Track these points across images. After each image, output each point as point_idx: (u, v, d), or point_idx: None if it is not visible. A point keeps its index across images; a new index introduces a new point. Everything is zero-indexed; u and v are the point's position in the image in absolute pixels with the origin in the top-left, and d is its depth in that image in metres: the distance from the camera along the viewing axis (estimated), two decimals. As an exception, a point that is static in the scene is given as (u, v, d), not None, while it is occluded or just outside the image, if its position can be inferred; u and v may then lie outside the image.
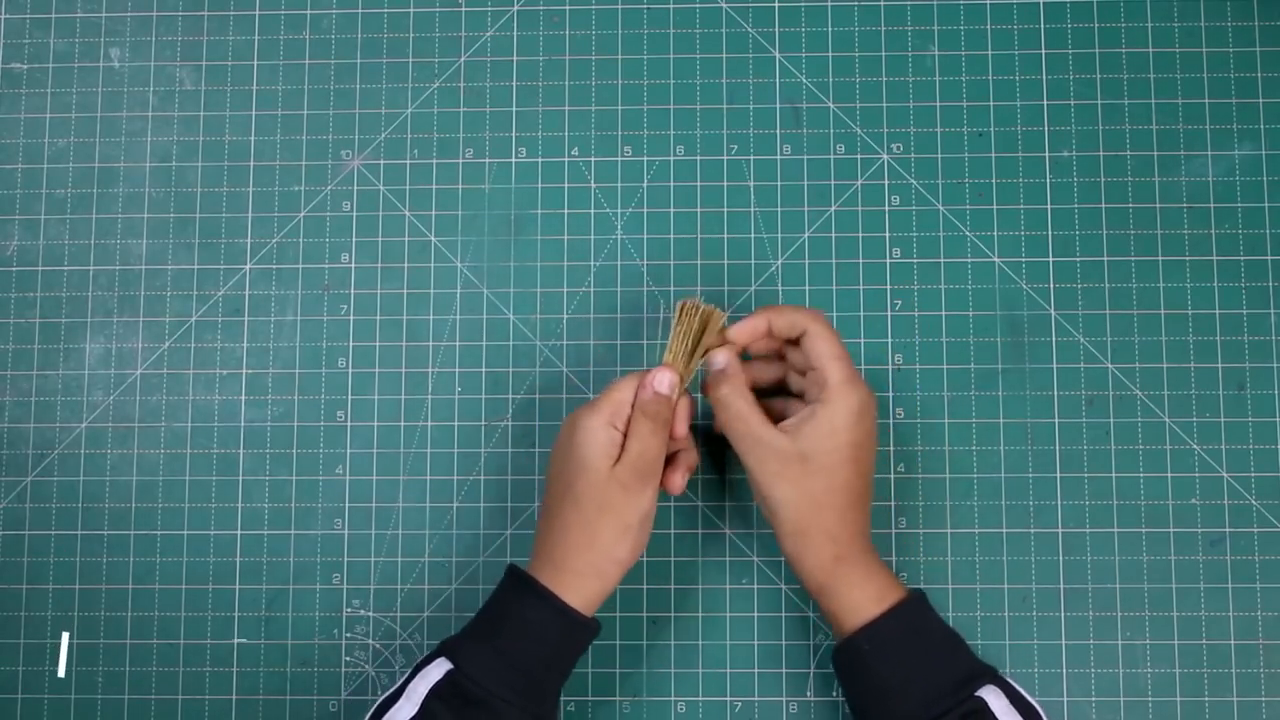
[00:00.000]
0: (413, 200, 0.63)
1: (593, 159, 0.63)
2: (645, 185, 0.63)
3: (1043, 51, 0.63)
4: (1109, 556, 0.60)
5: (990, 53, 0.63)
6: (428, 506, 0.61)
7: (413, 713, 0.50)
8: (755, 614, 0.60)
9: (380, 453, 0.62)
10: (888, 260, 0.62)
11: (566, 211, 0.63)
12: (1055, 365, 0.61)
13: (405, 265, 0.63)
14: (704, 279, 0.62)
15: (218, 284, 0.63)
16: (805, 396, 0.55)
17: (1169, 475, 0.60)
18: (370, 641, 0.61)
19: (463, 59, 0.64)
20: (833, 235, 0.62)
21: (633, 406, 0.53)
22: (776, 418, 0.54)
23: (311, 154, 0.64)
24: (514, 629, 0.52)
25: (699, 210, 0.63)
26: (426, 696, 0.50)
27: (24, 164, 0.64)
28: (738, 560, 0.61)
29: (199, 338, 0.63)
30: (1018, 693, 0.51)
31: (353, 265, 0.63)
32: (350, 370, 0.62)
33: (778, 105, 0.63)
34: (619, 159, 0.63)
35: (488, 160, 0.64)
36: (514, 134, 0.64)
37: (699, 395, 0.57)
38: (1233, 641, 0.59)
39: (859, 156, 0.63)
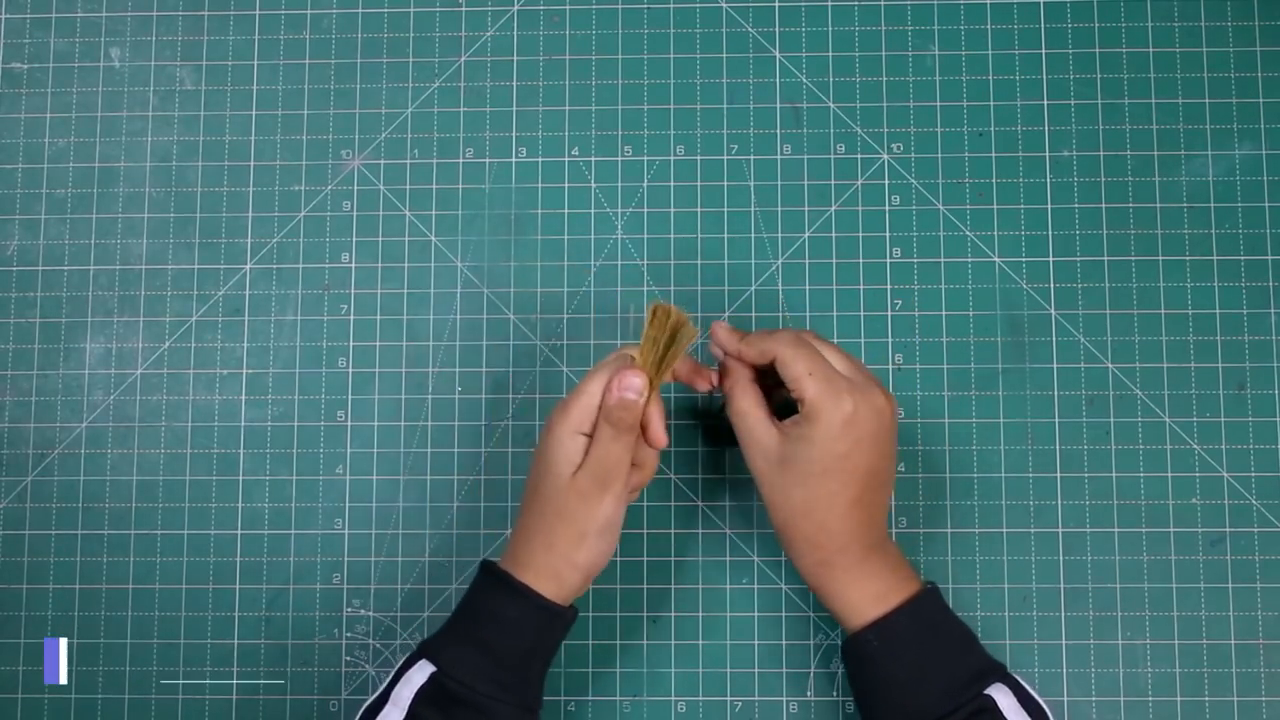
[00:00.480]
0: (413, 200, 0.63)
1: (593, 159, 0.63)
2: (645, 185, 0.63)
3: (1043, 51, 0.63)
4: (1109, 556, 0.60)
5: (990, 52, 0.63)
6: (428, 506, 0.61)
7: (400, 717, 0.50)
8: (755, 614, 0.60)
9: (380, 453, 0.62)
10: (888, 260, 0.62)
11: (567, 211, 0.63)
12: (1055, 365, 0.61)
13: (405, 265, 0.63)
14: (704, 279, 0.62)
15: (218, 284, 0.63)
16: None
17: (1169, 475, 0.60)
18: (370, 641, 0.61)
19: (463, 59, 0.64)
20: (833, 235, 0.62)
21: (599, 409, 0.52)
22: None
23: (312, 154, 0.64)
24: (493, 625, 0.52)
25: (699, 210, 0.63)
26: (413, 701, 0.50)
27: (24, 164, 0.64)
28: (738, 560, 0.61)
29: (199, 337, 0.63)
30: (1026, 692, 0.51)
31: (353, 265, 0.63)
32: (350, 370, 0.62)
33: (778, 105, 0.63)
34: (619, 159, 0.63)
35: (488, 160, 0.64)
36: (514, 134, 0.64)
37: (708, 394, 0.57)
38: (1233, 641, 0.59)
39: (859, 156, 0.63)
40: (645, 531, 0.61)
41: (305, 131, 0.64)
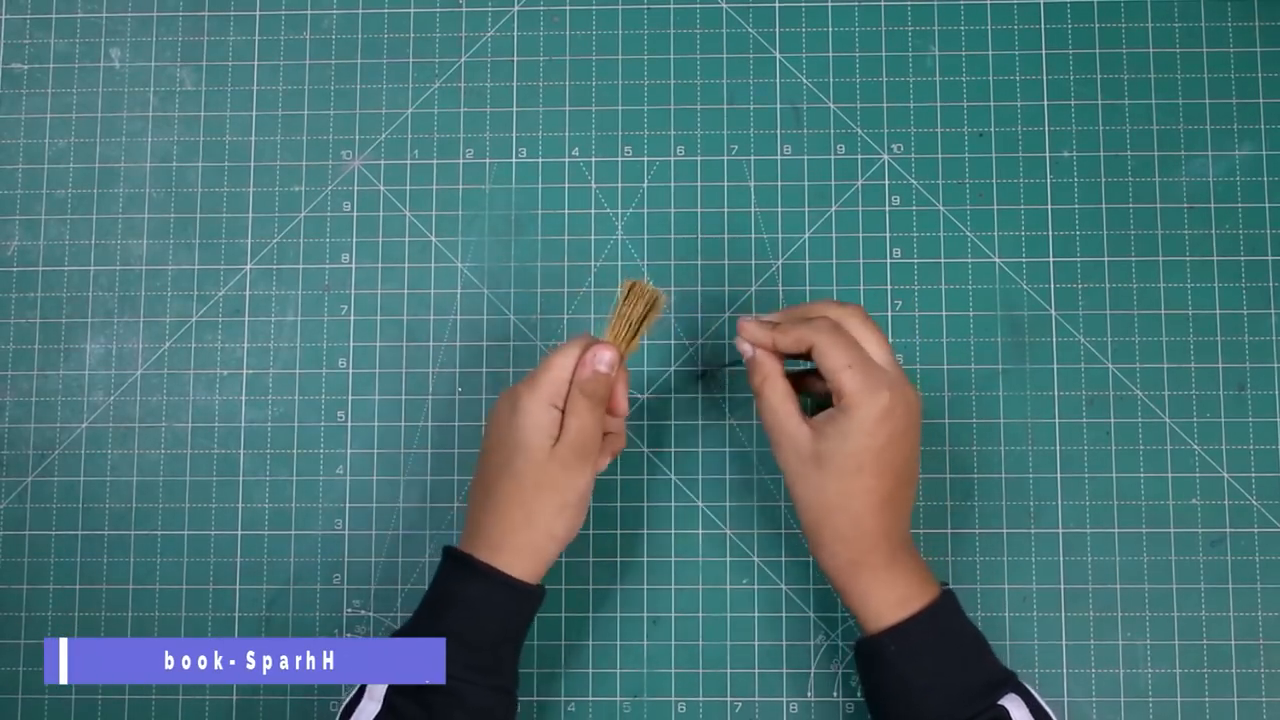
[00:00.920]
0: (413, 200, 0.63)
1: (593, 159, 0.63)
2: (645, 185, 0.63)
3: (1043, 51, 0.63)
4: (1109, 557, 0.60)
5: (990, 53, 0.63)
6: (428, 506, 0.61)
7: (377, 710, 0.50)
8: (755, 614, 0.60)
9: (380, 453, 0.62)
10: (888, 260, 0.62)
11: (567, 211, 0.63)
12: (1056, 365, 0.61)
13: (405, 265, 0.63)
14: (704, 279, 0.62)
15: (218, 284, 0.63)
16: None
17: (1169, 475, 0.60)
18: (370, 642, 0.61)
19: (463, 59, 0.64)
20: (833, 235, 0.62)
21: (570, 384, 0.52)
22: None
23: (312, 154, 0.64)
24: (462, 609, 0.52)
25: (699, 210, 0.63)
26: (388, 692, 0.51)
27: (24, 164, 0.64)
28: (738, 560, 0.61)
29: (199, 338, 0.63)
30: (1039, 704, 0.50)
31: (353, 265, 0.63)
32: (350, 370, 0.62)
33: (778, 105, 0.63)
34: (619, 159, 0.63)
35: (488, 160, 0.63)
36: (514, 134, 0.64)
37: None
38: (1233, 642, 0.59)
39: (859, 156, 0.63)
40: (645, 532, 0.61)
41: (305, 132, 0.64)
